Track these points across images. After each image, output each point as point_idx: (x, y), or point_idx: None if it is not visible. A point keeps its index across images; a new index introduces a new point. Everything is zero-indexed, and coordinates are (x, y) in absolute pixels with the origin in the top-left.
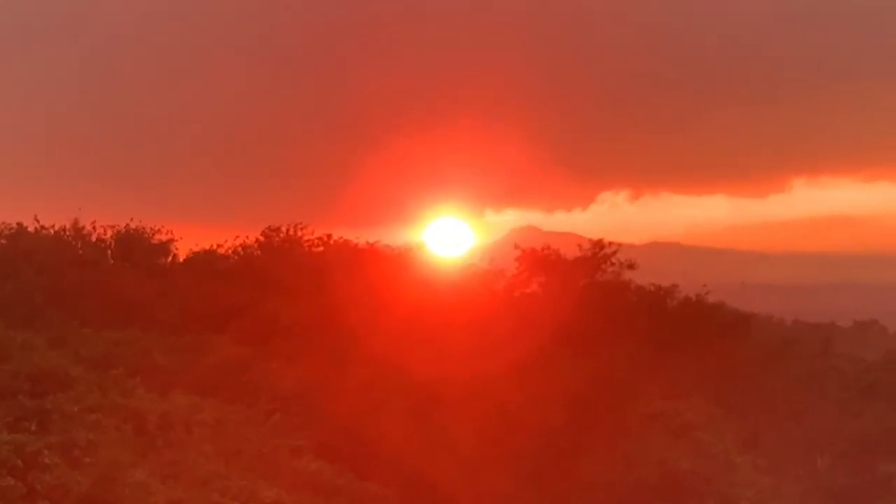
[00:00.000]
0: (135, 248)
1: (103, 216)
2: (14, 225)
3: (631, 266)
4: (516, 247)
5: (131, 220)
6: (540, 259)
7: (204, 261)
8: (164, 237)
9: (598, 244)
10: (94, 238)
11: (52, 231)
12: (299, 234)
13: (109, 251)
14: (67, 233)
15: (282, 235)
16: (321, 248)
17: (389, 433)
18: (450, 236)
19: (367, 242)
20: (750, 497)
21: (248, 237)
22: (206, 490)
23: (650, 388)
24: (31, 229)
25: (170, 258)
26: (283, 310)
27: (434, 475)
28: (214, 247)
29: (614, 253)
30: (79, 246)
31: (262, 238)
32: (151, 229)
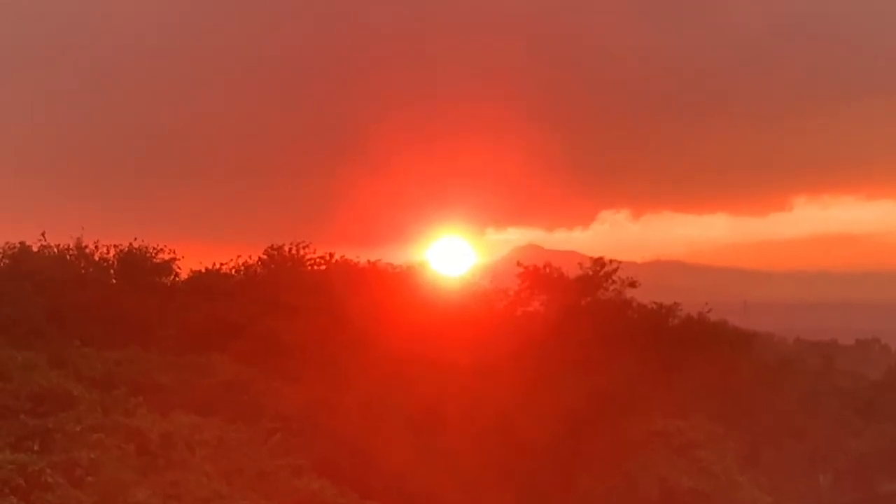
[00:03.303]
0: (137, 267)
1: (106, 235)
2: (17, 244)
3: (632, 284)
4: (518, 264)
5: (135, 239)
6: (542, 277)
7: (206, 280)
8: (166, 256)
9: (600, 262)
10: (96, 257)
11: (55, 250)
12: (302, 252)
13: (112, 270)
14: (70, 252)
15: (284, 254)
16: (323, 267)
17: (391, 451)
18: (452, 255)
19: (369, 261)
20: None
21: (250, 256)
22: None
23: (651, 407)
24: (34, 248)
25: (172, 277)
26: (284, 329)
27: (435, 493)
28: (217, 266)
29: (615, 271)
30: (81, 265)
31: (264, 257)
32: (154, 248)
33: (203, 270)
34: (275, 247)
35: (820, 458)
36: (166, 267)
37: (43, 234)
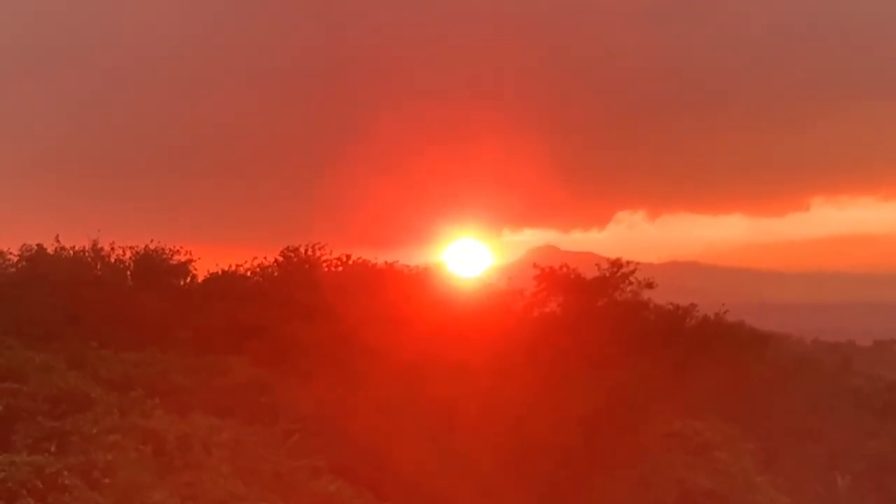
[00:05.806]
0: (153, 268)
1: (122, 237)
2: (33, 246)
3: (649, 285)
4: (535, 266)
5: (151, 240)
6: (558, 278)
7: (222, 281)
8: (182, 258)
9: (617, 263)
10: (112, 259)
11: (71, 252)
12: (318, 254)
13: (128, 272)
14: (86, 254)
15: (300, 256)
16: (340, 269)
17: (407, 453)
18: (468, 256)
19: (386, 262)
20: None
21: (266, 258)
22: None
23: (668, 408)
24: (50, 250)
25: (188, 279)
26: (301, 330)
27: (450, 495)
28: (233, 267)
29: (632, 272)
30: (98, 267)
31: (280, 258)
32: (170, 250)
33: (219, 272)
34: (291, 248)
35: (837, 459)
36: (183, 268)
37: (57, 237)
